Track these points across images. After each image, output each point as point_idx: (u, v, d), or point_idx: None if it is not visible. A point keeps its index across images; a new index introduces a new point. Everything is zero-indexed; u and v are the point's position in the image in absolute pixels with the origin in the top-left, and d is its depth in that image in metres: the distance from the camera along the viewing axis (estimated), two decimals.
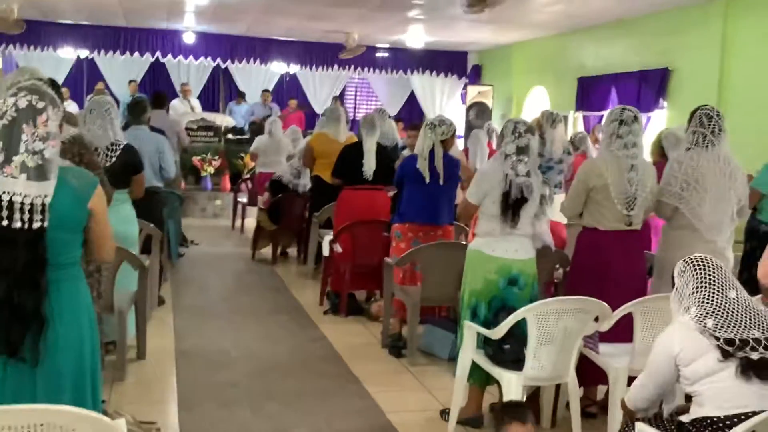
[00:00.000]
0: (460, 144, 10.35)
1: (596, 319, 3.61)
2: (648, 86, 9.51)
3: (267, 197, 8.17)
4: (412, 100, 15.89)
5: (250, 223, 9.46)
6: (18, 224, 2.22)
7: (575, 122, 11.33)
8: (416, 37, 12.60)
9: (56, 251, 2.32)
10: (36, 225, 2.25)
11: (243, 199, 10.18)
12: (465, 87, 14.95)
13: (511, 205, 3.80)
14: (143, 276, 4.67)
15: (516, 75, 13.54)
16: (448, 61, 15.05)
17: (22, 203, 2.23)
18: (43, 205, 2.26)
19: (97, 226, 2.44)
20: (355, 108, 16.80)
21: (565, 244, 5.08)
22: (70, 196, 2.33)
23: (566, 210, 4.27)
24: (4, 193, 2.22)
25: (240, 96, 14.33)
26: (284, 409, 4.19)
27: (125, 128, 5.69)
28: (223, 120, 12.43)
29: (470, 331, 3.78)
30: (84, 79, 14.58)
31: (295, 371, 4.83)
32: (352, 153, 6.21)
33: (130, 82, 13.78)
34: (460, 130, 12.37)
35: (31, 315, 2.27)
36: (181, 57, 13.98)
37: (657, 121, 9.40)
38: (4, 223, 2.22)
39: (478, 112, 13.52)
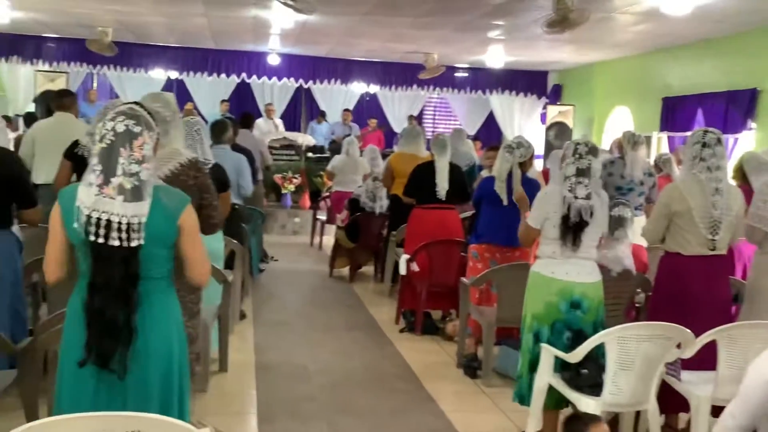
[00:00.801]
0: (539, 164, 10.27)
1: (678, 346, 3.53)
2: (735, 107, 9.21)
3: (345, 215, 8.30)
4: (490, 120, 15.84)
5: (329, 240, 9.61)
6: (116, 243, 2.34)
7: (659, 143, 11.06)
8: (496, 57, 12.58)
9: (148, 265, 2.44)
10: (133, 243, 2.37)
11: (322, 216, 10.35)
12: (545, 107, 14.81)
13: (571, 228, 3.74)
14: (227, 290, 4.82)
15: (598, 95, 13.33)
16: (527, 81, 14.96)
17: (119, 223, 2.34)
18: (139, 224, 2.37)
19: (187, 243, 2.54)
20: (433, 127, 16.86)
21: (647, 267, 4.98)
22: (161, 213, 2.45)
23: (648, 234, 4.19)
24: (102, 212, 2.34)
25: (321, 116, 14.62)
26: (359, 424, 4.24)
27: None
28: (304, 139, 12.70)
29: (547, 354, 3.74)
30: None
31: (369, 387, 4.88)
32: (425, 172, 6.26)
33: (222, 101, 14.24)
34: (540, 150, 12.26)
35: (122, 328, 2.38)
36: (265, 78, 14.36)
37: (745, 143, 9.09)
38: (101, 240, 2.35)
39: (558, 132, 13.36)
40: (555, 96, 14.89)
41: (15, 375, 3.32)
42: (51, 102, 6.72)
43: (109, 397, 2.44)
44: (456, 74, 14.70)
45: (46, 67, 13.34)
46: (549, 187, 4.05)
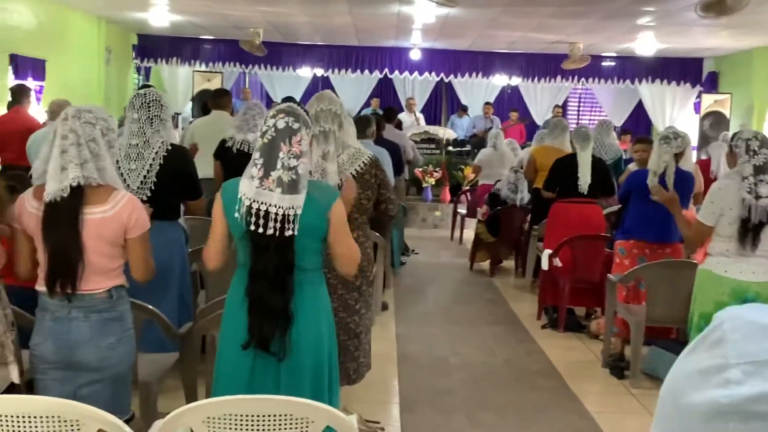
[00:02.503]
0: (694, 156, 9.75)
1: None
2: None
3: (486, 209, 8.25)
4: (638, 111, 15.19)
5: (469, 234, 9.59)
6: (270, 231, 2.48)
7: None
8: (646, 44, 12.05)
9: (300, 256, 2.56)
10: (287, 233, 2.49)
11: (462, 210, 10.34)
12: (699, 96, 14.02)
13: (751, 230, 3.54)
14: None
15: (758, 82, 12.46)
16: (680, 69, 14.21)
17: (276, 214, 2.48)
18: (294, 215, 2.50)
19: (336, 236, 2.64)
20: (577, 119, 16.41)
21: None
22: (313, 207, 2.56)
23: None
24: (262, 203, 2.49)
25: (462, 109, 14.59)
26: (500, 420, 4.22)
27: None
28: (444, 132, 12.73)
29: None
30: None
31: (511, 383, 4.84)
32: (566, 165, 6.10)
33: (373, 98, 14.60)
34: (694, 141, 11.64)
35: (280, 313, 2.52)
36: (407, 73, 14.53)
37: None
38: (260, 230, 2.49)
39: (714, 123, 12.61)
40: (710, 84, 14.07)
41: (176, 358, 3.56)
42: (208, 101, 7.14)
43: (264, 382, 2.57)
44: (602, 63, 14.22)
45: (203, 67, 14.15)
46: (722, 182, 3.85)
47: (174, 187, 3.92)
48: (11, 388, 2.75)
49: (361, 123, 6.48)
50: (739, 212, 3.56)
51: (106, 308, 2.69)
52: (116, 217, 2.65)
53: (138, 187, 3.76)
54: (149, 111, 3.84)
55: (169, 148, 3.88)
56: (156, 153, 3.83)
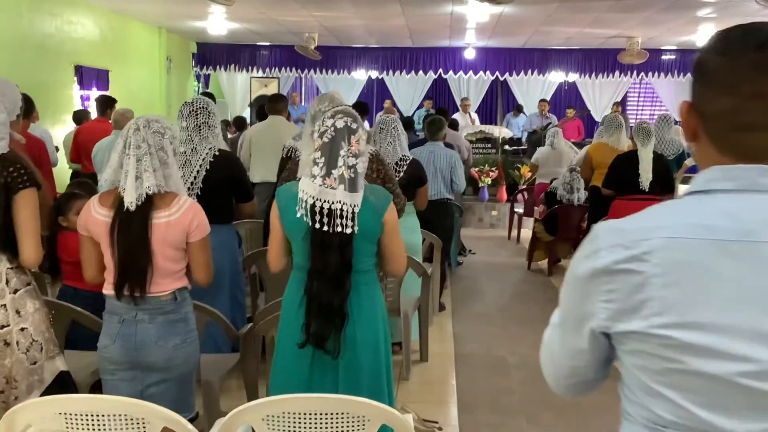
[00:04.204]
0: None
1: None
2: None
3: (543, 208, 8.17)
4: None
5: (526, 233, 9.51)
6: (338, 228, 2.54)
7: None
8: (707, 36, 11.75)
9: (357, 258, 2.60)
10: (348, 230, 2.55)
11: (519, 209, 10.26)
12: None
13: None
14: (426, 282, 4.95)
15: None
16: None
17: (341, 210, 2.54)
18: (353, 213, 2.55)
19: (388, 238, 2.68)
20: (637, 114, 16.10)
21: None
22: (369, 210, 2.60)
23: None
24: (325, 201, 2.54)
25: (517, 109, 14.48)
26: (560, 420, 4.19)
27: (422, 143, 6.27)
28: (500, 131, 12.65)
29: None
30: (374, 98, 15.73)
31: None
32: (627, 162, 6.00)
33: (427, 99, 14.60)
34: None
35: (336, 311, 2.57)
36: (461, 72, 14.49)
37: None
38: (325, 228, 2.54)
39: None
40: None
41: (237, 358, 3.64)
42: (265, 106, 7.26)
43: (321, 381, 2.62)
44: (662, 57, 13.92)
45: (260, 73, 14.40)
46: None
47: (222, 192, 4.01)
48: (60, 379, 2.86)
49: (434, 126, 6.51)
50: None
51: (171, 310, 2.78)
52: (180, 221, 2.74)
53: (186, 194, 3.86)
54: (197, 119, 3.94)
55: (216, 153, 3.97)
56: (203, 159, 3.92)
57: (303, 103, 14.33)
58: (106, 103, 8.02)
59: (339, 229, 2.53)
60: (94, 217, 2.75)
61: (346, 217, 2.53)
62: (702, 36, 11.74)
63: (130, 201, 2.67)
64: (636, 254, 1.17)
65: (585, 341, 1.30)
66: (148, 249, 2.70)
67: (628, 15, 10.23)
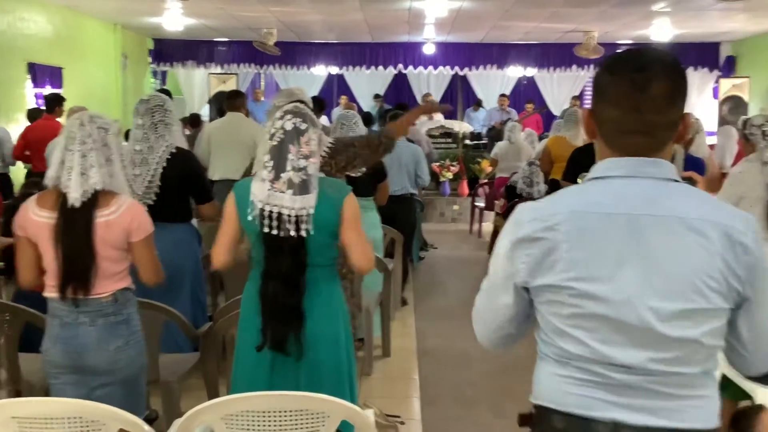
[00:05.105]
0: (711, 140, 9.65)
1: None
2: None
3: (504, 202, 8.23)
4: None
5: (488, 227, 9.58)
6: (284, 234, 2.50)
7: None
8: (662, 30, 11.95)
9: (315, 253, 2.57)
10: (302, 234, 2.51)
11: (480, 203, 10.32)
12: (717, 80, 13.88)
13: None
14: (387, 278, 4.95)
15: None
16: (697, 54, 14.07)
17: (289, 216, 2.49)
18: (307, 215, 2.51)
19: (349, 230, 2.64)
20: None
21: None
22: (327, 203, 2.57)
23: None
24: (274, 206, 2.50)
25: (477, 104, 14.55)
26: (523, 409, 4.22)
27: None
28: (461, 126, 12.71)
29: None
30: (333, 94, 15.69)
31: (533, 372, 4.82)
32: (585, 155, 6.06)
33: (376, 97, 14.57)
34: (713, 126, 11.53)
35: (292, 313, 2.53)
36: (421, 67, 14.51)
37: None
38: (274, 232, 2.51)
39: (733, 107, 12.50)
40: (728, 68, 13.92)
41: (197, 358, 3.60)
42: (223, 103, 7.19)
43: (282, 378, 2.59)
44: (618, 51, 14.09)
45: (218, 69, 14.24)
46: (743, 166, 3.83)
47: (180, 189, 3.95)
48: None
49: (396, 120, 6.48)
50: (765, 197, 3.53)
51: (112, 312, 2.71)
52: (119, 221, 2.67)
53: (143, 192, 3.79)
54: (153, 116, 3.87)
55: (174, 151, 3.90)
56: (160, 157, 3.86)
57: (265, 99, 14.23)
58: (54, 101, 7.88)
59: (288, 234, 2.49)
60: (33, 220, 2.67)
61: (297, 222, 2.49)
62: (656, 30, 11.92)
63: (75, 197, 2.61)
64: (548, 225, 1.50)
65: (510, 297, 1.60)
66: (93, 248, 2.64)
67: (584, 9, 10.35)
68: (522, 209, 1.57)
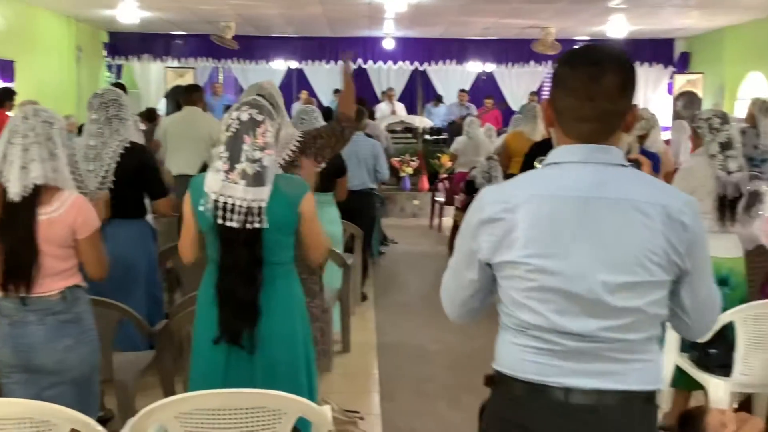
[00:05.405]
0: (666, 136, 9.83)
1: None
2: None
3: (463, 197, 8.27)
4: None
5: (448, 222, 9.62)
6: (235, 225, 2.48)
7: None
8: (618, 27, 12.11)
9: (271, 251, 2.55)
10: (255, 226, 2.49)
11: (440, 198, 10.36)
12: (672, 76, 14.14)
13: (728, 205, 3.60)
14: (347, 274, 4.94)
15: (728, 61, 12.58)
16: (652, 50, 14.30)
17: (240, 206, 2.47)
18: (259, 208, 2.49)
19: (307, 228, 2.64)
20: None
21: None
22: (283, 201, 2.55)
23: None
24: (228, 197, 2.48)
25: (437, 99, 14.58)
26: (480, 402, 4.25)
27: None
28: (421, 122, 12.73)
29: (673, 332, 3.61)
30: (293, 88, 15.59)
31: (491, 366, 4.87)
32: (542, 150, 6.12)
33: (336, 91, 14.50)
34: (668, 121, 11.74)
35: (248, 307, 2.52)
36: (381, 62, 14.50)
37: None
38: (228, 223, 2.49)
39: (687, 102, 12.73)
40: (682, 64, 14.18)
41: (153, 355, 3.55)
42: (179, 97, 7.10)
43: (238, 376, 2.57)
44: (575, 48, 14.25)
45: (175, 63, 14.03)
46: (693, 160, 3.90)
47: (134, 185, 3.88)
48: None
49: (356, 115, 6.46)
50: (714, 190, 3.60)
51: (61, 310, 2.66)
52: (62, 219, 2.62)
53: (97, 188, 3.72)
54: (107, 111, 3.79)
55: (128, 146, 3.83)
56: (113, 152, 3.79)
57: (226, 94, 14.08)
58: (4, 95, 7.71)
59: (239, 225, 2.47)
60: None
61: (251, 213, 2.47)
62: (613, 26, 12.08)
63: (15, 192, 2.55)
64: (509, 207, 1.64)
65: (475, 272, 1.75)
66: (34, 245, 2.58)
67: (542, 6, 10.44)
68: (485, 192, 1.73)
